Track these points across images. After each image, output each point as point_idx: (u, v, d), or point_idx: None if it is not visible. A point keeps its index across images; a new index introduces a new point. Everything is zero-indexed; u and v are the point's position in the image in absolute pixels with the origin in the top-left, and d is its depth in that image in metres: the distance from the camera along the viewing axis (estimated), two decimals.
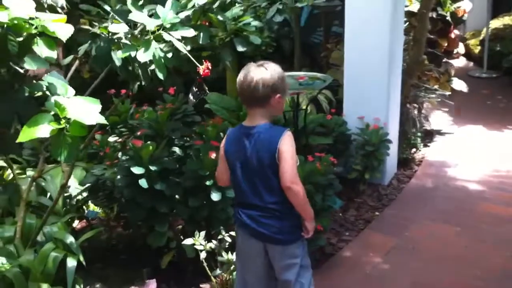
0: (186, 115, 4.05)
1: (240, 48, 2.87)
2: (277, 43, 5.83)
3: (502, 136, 5.72)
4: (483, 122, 6.08)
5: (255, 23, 2.97)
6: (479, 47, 9.07)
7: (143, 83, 2.58)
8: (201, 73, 2.37)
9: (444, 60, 5.50)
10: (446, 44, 5.45)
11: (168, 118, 3.54)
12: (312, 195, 3.12)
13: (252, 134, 2.31)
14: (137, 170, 2.90)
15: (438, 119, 6.10)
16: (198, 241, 2.85)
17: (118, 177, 2.99)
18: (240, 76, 2.31)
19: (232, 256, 2.79)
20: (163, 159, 3.04)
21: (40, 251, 2.70)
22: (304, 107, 4.22)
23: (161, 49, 2.38)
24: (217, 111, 4.17)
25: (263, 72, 2.28)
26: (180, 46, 2.38)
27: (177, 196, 3.08)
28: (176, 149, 3.28)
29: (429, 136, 5.57)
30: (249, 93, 2.28)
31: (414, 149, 5.03)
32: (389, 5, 4.15)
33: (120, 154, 3.18)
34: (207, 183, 2.97)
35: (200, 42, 2.65)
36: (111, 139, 3.63)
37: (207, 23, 2.84)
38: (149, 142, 3.01)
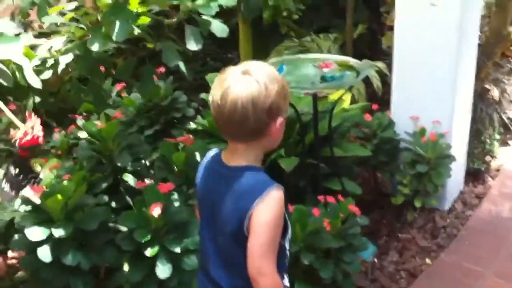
0: (174, 109, 2.98)
1: (191, 45, 1.72)
2: None
3: None
4: None
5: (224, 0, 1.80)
6: None
7: None
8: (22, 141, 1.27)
9: None
10: None
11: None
12: (315, 269, 2.01)
13: (226, 176, 1.44)
14: (34, 233, 1.86)
15: None
16: None
17: (16, 237, 1.97)
18: (215, 94, 1.39)
19: None
20: (86, 212, 1.96)
21: None
22: (331, 106, 2.99)
23: None
24: None
25: (251, 86, 1.35)
26: None
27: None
28: (130, 179, 2.20)
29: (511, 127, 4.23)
30: (232, 123, 1.37)
31: (489, 157, 3.73)
32: None
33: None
34: (148, 252, 1.89)
35: (114, 38, 1.54)
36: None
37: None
38: (65, 182, 1.95)
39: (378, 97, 3.85)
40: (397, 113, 3.26)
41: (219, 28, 1.74)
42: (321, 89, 2.68)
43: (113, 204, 2.06)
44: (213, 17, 1.75)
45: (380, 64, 4.00)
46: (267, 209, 1.34)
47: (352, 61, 2.88)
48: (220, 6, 1.78)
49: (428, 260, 2.89)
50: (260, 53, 3.91)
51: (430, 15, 3.01)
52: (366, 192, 3.33)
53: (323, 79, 2.71)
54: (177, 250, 1.82)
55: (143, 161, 2.24)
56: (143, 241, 1.83)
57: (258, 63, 1.43)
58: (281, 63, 2.82)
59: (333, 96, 3.20)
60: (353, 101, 3.77)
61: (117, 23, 1.53)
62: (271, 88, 1.36)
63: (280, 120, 1.40)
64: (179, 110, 2.91)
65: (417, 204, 3.04)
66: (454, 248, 2.98)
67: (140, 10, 1.73)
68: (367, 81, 3.85)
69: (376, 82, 3.95)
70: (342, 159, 3.01)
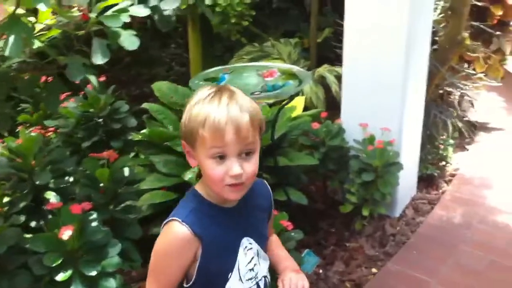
0: (114, 119, 2.93)
1: (98, 59, 1.66)
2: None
3: None
4: None
5: (138, 10, 1.74)
6: None
7: None
8: None
9: (498, 34, 4.07)
10: (500, 13, 4.02)
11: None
12: None
13: None
14: None
15: (487, 107, 4.70)
16: None
17: None
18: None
19: None
20: None
21: None
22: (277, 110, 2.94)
23: None
24: (159, 113, 2.93)
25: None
26: None
27: None
28: (52, 197, 2.15)
29: (470, 132, 4.23)
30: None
31: (443, 162, 3.71)
32: None
33: None
34: (59, 277, 1.80)
35: (6, 54, 1.48)
36: None
37: None
38: None
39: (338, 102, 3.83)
40: (347, 120, 3.23)
41: (129, 41, 1.68)
42: (261, 99, 2.64)
43: (33, 224, 2.01)
44: (125, 28, 1.69)
45: (340, 69, 3.97)
46: (158, 239, 1.30)
47: (295, 69, 2.84)
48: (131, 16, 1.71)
49: (374, 270, 2.87)
50: (218, 59, 3.88)
51: (379, 21, 2.99)
52: (317, 201, 3.32)
53: (265, 88, 2.68)
54: (93, 273, 1.77)
55: (67, 178, 2.19)
56: (53, 265, 1.77)
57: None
58: (223, 72, 2.79)
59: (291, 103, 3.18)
60: (312, 106, 3.75)
61: (11, 37, 1.47)
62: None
63: (187, 148, 1.30)
64: (120, 121, 2.86)
65: (365, 212, 3.01)
66: (401, 256, 2.96)
67: (50, 22, 1.67)
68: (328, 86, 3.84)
69: (335, 87, 3.92)
70: (291, 168, 2.98)
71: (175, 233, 1.26)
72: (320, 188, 3.37)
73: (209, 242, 1.27)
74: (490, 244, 3.04)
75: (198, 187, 1.34)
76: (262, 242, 1.42)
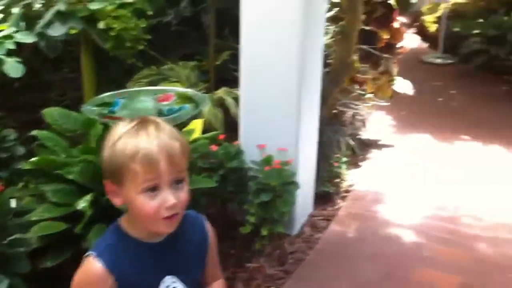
0: (1, 149, 2.79)
1: None
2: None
3: (453, 150, 4.64)
4: (431, 128, 4.99)
5: (23, 36, 1.69)
6: (435, 25, 7.96)
7: None
8: None
9: (385, 56, 4.32)
10: (387, 37, 4.29)
11: None
12: None
13: None
14: None
15: (377, 126, 4.97)
16: None
17: None
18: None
19: None
20: None
21: None
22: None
23: None
24: (50, 140, 2.82)
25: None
26: None
27: None
28: None
29: (363, 149, 4.44)
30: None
31: (338, 179, 3.87)
32: None
33: None
34: None
35: None
36: None
37: None
38: None
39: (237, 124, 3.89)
40: (246, 141, 3.29)
41: (13, 68, 1.63)
42: None
43: None
44: (9, 55, 1.63)
45: (238, 92, 4.03)
46: (77, 272, 1.26)
47: (191, 92, 2.87)
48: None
49: None
50: (114, 83, 3.81)
51: (272, 44, 3.08)
52: (217, 224, 3.32)
53: (161, 113, 2.68)
54: None
55: None
56: None
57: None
58: (117, 97, 2.75)
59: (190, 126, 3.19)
60: (211, 128, 3.78)
61: None
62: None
63: (111, 187, 1.24)
64: (7, 149, 2.73)
65: (264, 232, 3.06)
66: (300, 273, 3.03)
67: None
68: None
69: (234, 109, 3.97)
70: (190, 191, 2.97)
71: (88, 267, 1.24)
72: (220, 210, 3.38)
73: (122, 280, 1.23)
74: (383, 256, 3.19)
75: (123, 221, 1.30)
76: (191, 281, 1.37)
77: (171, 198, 1.20)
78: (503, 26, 6.37)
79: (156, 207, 1.19)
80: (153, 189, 1.19)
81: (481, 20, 6.88)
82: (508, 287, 2.91)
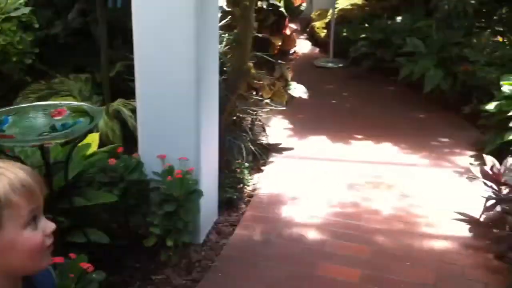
0: None
1: None
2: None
3: (349, 150, 4.85)
4: (327, 130, 5.18)
5: None
6: (325, 31, 8.29)
7: None
8: None
9: (280, 62, 4.45)
10: (280, 43, 4.42)
11: None
12: None
13: None
14: None
15: (276, 130, 5.09)
16: None
17: None
18: None
19: None
20: None
21: None
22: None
23: None
24: None
25: None
26: None
27: None
28: None
29: (264, 154, 4.53)
30: None
31: (241, 185, 3.92)
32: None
33: None
34: None
35: None
36: None
37: None
38: None
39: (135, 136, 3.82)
40: (145, 153, 3.24)
41: None
42: (50, 140, 2.52)
43: None
44: None
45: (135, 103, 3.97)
46: None
47: (86, 106, 2.79)
48: None
49: None
50: (2, 99, 3.63)
51: (168, 54, 3.07)
52: (120, 238, 3.25)
53: (54, 128, 2.58)
54: None
55: None
56: None
57: None
58: (5, 114, 2.62)
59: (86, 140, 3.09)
60: (109, 142, 3.69)
61: None
62: None
63: None
64: None
65: (169, 243, 3.04)
66: (207, 281, 3.04)
67: None
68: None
69: (131, 121, 3.90)
70: (89, 207, 2.89)
71: None
72: (123, 224, 3.31)
73: None
74: (288, 255, 3.27)
75: None
76: None
77: (50, 224, 1.14)
78: (387, 30, 6.77)
79: (41, 237, 1.12)
80: (33, 219, 1.12)
81: (366, 25, 7.26)
82: (406, 274, 3.09)
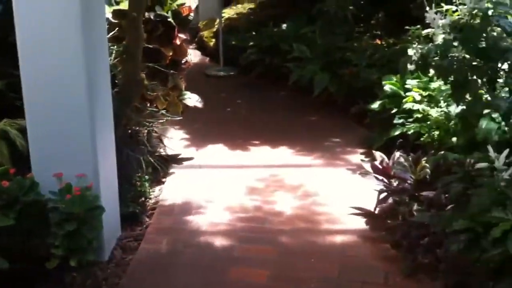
0: None
1: None
2: None
3: (247, 156, 4.94)
4: (224, 138, 5.24)
5: None
6: (214, 40, 8.37)
7: None
8: None
9: (172, 73, 4.44)
10: (171, 53, 4.41)
11: None
12: None
13: None
14: None
15: (174, 141, 5.06)
16: None
17: None
18: None
19: None
20: None
21: None
22: None
23: None
24: None
25: None
26: None
27: None
28: None
29: (164, 165, 4.48)
30: None
31: (143, 198, 3.86)
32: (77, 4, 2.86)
33: None
34: None
35: None
36: None
37: None
38: None
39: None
40: (40, 173, 3.10)
41: None
42: None
43: None
44: None
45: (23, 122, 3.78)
46: None
47: None
48: None
49: None
50: None
51: (55, 68, 2.98)
52: (19, 263, 3.09)
53: None
54: None
55: None
56: None
57: None
58: None
59: None
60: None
61: None
62: None
63: None
64: None
65: (73, 263, 2.92)
66: None
67: None
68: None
69: (19, 141, 3.70)
70: None
71: None
72: (21, 247, 3.14)
73: None
74: (198, 264, 3.27)
75: None
76: None
77: None
78: (275, 37, 6.98)
79: None
80: None
81: (254, 33, 7.43)
82: (311, 272, 3.19)
